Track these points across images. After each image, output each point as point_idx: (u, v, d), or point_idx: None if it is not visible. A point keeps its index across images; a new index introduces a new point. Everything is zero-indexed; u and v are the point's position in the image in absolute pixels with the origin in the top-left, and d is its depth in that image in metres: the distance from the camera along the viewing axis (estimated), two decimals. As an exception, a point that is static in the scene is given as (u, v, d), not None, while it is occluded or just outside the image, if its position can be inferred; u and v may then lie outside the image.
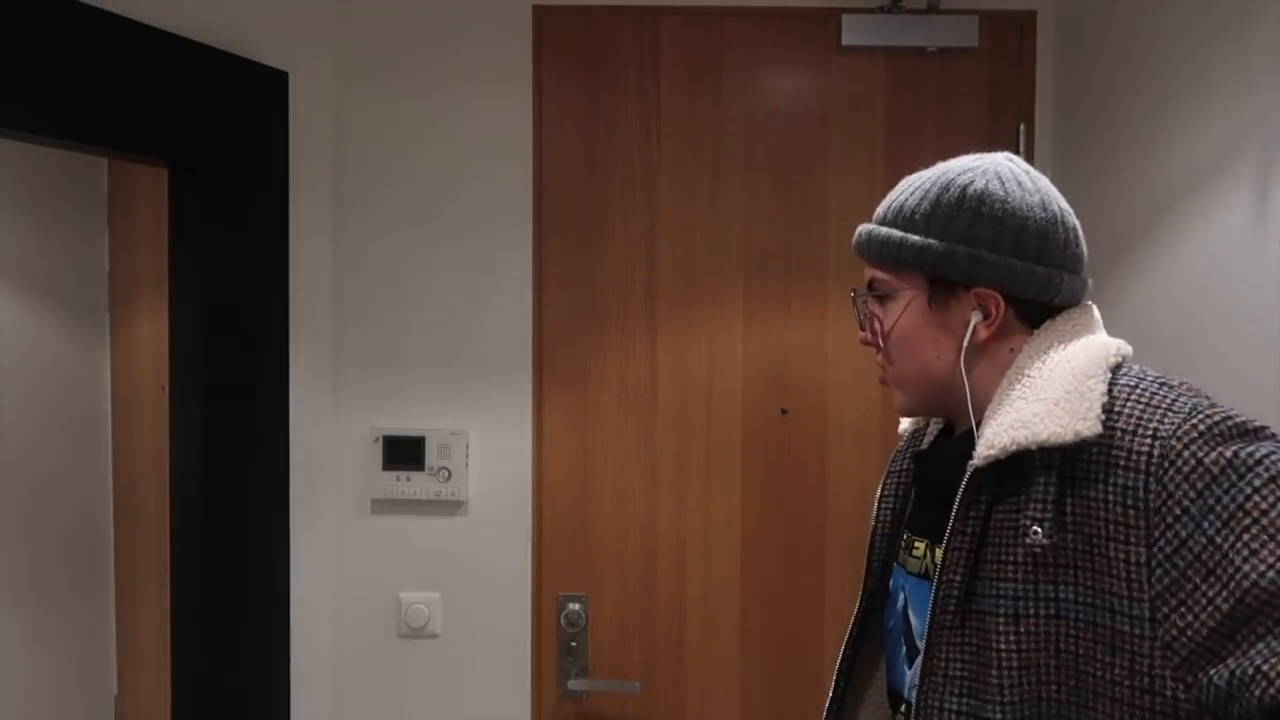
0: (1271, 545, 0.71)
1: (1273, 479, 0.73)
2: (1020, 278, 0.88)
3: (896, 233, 0.92)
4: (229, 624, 1.61)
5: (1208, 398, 0.81)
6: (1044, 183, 0.92)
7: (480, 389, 1.79)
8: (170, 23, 1.48)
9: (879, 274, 0.96)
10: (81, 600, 2.36)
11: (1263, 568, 0.70)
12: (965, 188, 0.89)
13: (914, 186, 0.93)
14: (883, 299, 0.96)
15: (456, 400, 1.79)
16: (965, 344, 0.90)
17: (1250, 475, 0.73)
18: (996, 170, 0.90)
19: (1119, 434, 0.80)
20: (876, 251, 0.94)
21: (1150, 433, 0.78)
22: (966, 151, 0.96)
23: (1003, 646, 0.82)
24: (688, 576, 1.79)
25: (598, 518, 1.79)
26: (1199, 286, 1.32)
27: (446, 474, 1.77)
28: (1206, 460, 0.75)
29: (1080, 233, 0.93)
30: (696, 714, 1.79)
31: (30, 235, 2.24)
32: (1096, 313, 0.93)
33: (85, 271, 2.35)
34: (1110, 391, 0.82)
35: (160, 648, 1.99)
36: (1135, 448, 0.78)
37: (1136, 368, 0.86)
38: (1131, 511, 0.77)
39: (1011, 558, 0.83)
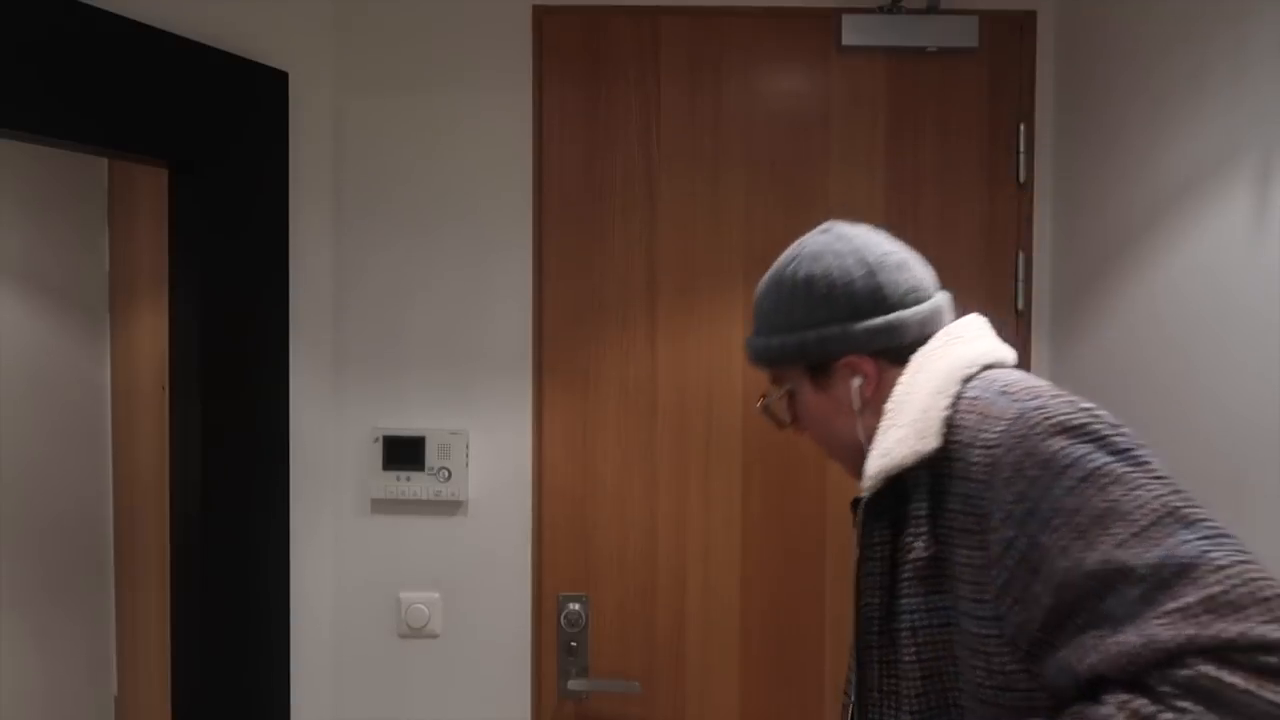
0: (1081, 543, 0.73)
1: (1084, 479, 0.75)
2: (867, 336, 0.96)
3: (761, 339, 1.04)
4: (229, 624, 1.61)
5: (1040, 396, 0.83)
6: (860, 239, 1.00)
7: (480, 389, 1.79)
8: (170, 23, 1.48)
9: (770, 375, 1.07)
10: (82, 600, 2.36)
11: (1072, 564, 0.73)
12: (793, 279, 0.99)
13: (762, 290, 1.05)
14: (787, 394, 1.06)
15: (456, 400, 1.79)
16: (857, 407, 0.98)
17: (1063, 477, 0.76)
18: (811, 251, 1.00)
19: (959, 447, 0.85)
20: (758, 359, 1.06)
21: (982, 443, 0.83)
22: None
23: (907, 659, 0.88)
24: (688, 576, 1.79)
25: (598, 518, 1.79)
26: (1199, 285, 1.32)
27: (446, 474, 1.77)
28: (1025, 465, 0.79)
29: (910, 262, 0.99)
30: (696, 714, 1.79)
31: (30, 235, 2.24)
32: (969, 324, 0.98)
33: (85, 271, 2.35)
34: (956, 405, 0.87)
35: (160, 648, 1.98)
36: (970, 459, 0.83)
37: (991, 374, 0.90)
38: (971, 519, 0.82)
39: (907, 574, 0.89)
